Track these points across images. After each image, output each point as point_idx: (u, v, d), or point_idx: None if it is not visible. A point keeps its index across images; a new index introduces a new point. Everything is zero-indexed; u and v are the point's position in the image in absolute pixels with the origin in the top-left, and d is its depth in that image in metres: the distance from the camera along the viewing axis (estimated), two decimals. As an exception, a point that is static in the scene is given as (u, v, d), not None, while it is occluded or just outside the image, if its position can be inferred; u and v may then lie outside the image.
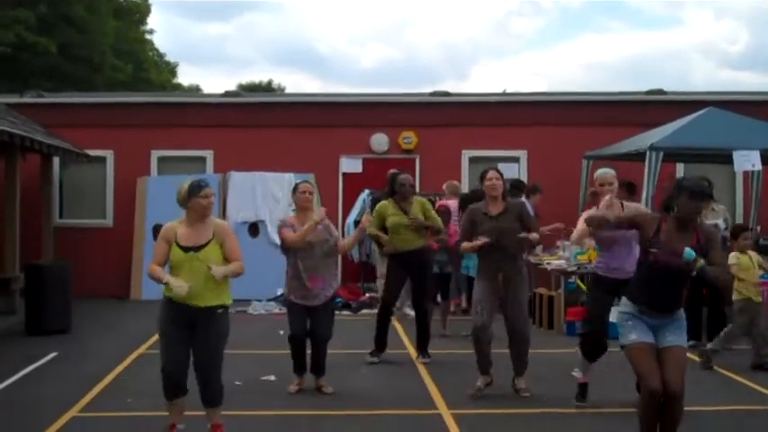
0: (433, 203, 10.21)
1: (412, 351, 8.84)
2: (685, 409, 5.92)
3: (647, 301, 5.13)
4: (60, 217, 14.31)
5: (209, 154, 14.62)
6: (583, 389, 6.73)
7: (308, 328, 7.15)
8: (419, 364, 8.27)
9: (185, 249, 5.46)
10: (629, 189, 10.41)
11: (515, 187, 12.30)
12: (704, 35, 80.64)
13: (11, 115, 12.11)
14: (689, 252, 4.84)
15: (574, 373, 7.87)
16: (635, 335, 5.11)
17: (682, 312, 5.19)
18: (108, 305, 12.70)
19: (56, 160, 13.63)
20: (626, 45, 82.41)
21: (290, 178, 13.93)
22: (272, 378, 7.67)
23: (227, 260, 5.55)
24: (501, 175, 7.08)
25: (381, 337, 8.48)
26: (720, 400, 6.94)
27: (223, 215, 13.26)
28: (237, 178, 13.82)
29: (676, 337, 5.10)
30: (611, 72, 76.52)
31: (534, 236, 7.04)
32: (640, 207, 7.23)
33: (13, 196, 11.82)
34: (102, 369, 7.96)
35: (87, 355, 8.78)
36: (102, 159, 14.48)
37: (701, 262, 4.89)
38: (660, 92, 14.80)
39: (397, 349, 8.98)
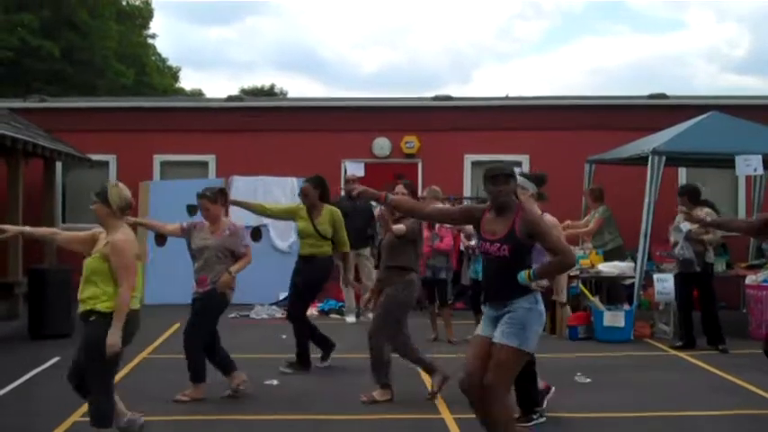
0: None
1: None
2: (687, 414, 5.94)
3: (484, 291, 5.15)
4: (63, 221, 14.32)
5: (211, 158, 14.64)
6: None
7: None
8: (421, 370, 8.26)
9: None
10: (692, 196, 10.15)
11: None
12: (707, 39, 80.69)
13: (14, 120, 12.14)
14: (521, 276, 4.81)
15: (577, 378, 7.90)
16: (478, 328, 5.14)
17: (519, 305, 4.92)
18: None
19: (58, 165, 13.66)
20: (628, 49, 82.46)
21: (292, 182, 13.96)
22: (275, 383, 7.67)
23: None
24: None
25: (321, 343, 8.34)
26: (721, 404, 6.92)
27: (225, 219, 13.30)
28: (240, 183, 13.82)
29: (500, 334, 4.90)
30: (614, 76, 76.55)
31: None
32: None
33: (16, 201, 11.84)
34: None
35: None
36: (105, 164, 14.51)
37: (531, 272, 4.82)
38: (662, 96, 14.79)
39: (396, 354, 8.96)
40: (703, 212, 9.13)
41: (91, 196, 5.33)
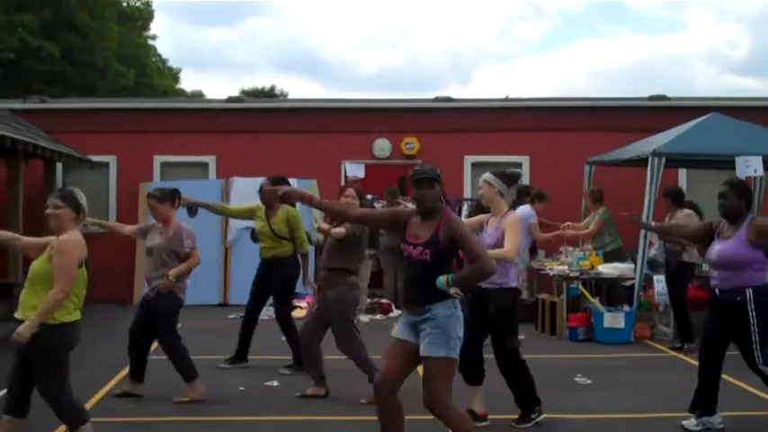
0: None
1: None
2: (687, 415, 5.94)
3: (405, 295, 5.10)
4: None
5: (211, 159, 14.65)
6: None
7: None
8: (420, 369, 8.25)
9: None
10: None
11: (522, 193, 12.35)
12: (707, 40, 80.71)
13: (14, 121, 12.15)
14: (439, 281, 4.74)
15: (577, 379, 7.90)
16: (395, 329, 5.08)
17: (439, 312, 4.82)
18: (110, 310, 12.70)
19: (59, 166, 13.66)
20: (628, 50, 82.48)
21: (293, 183, 13.95)
22: (275, 384, 7.68)
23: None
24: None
25: (295, 348, 8.16)
26: (721, 405, 6.92)
27: (226, 221, 13.31)
28: (240, 184, 13.83)
29: (426, 346, 4.80)
30: (614, 77, 76.57)
31: None
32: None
33: (17, 202, 11.85)
34: (104, 374, 7.96)
35: (89, 361, 8.76)
36: (105, 165, 14.52)
37: (449, 277, 4.74)
38: (662, 97, 14.80)
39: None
40: (682, 214, 9.51)
41: (52, 201, 5.13)
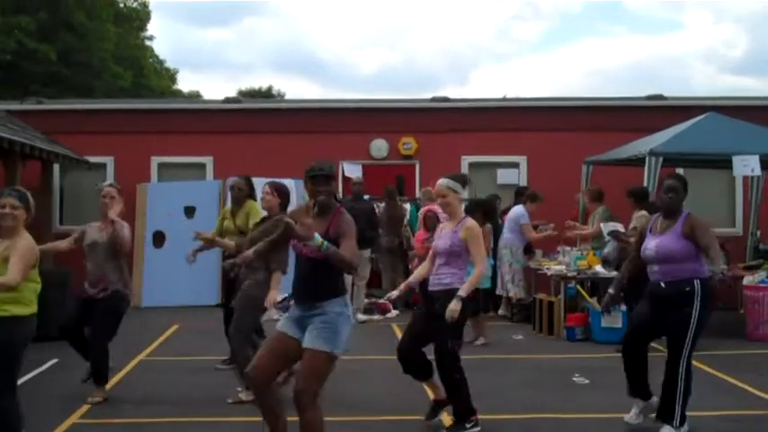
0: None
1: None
2: (686, 414, 5.94)
3: (294, 290, 5.04)
4: (60, 223, 14.32)
5: (209, 160, 14.65)
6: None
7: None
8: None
9: None
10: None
11: (519, 194, 12.41)
12: (704, 40, 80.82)
13: (11, 122, 12.14)
14: (316, 237, 4.64)
15: (575, 379, 7.90)
16: (280, 323, 5.05)
17: (330, 309, 4.84)
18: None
19: (56, 167, 13.65)
20: (626, 50, 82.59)
21: (289, 184, 13.92)
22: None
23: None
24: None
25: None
26: (720, 405, 6.93)
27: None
28: (237, 184, 13.81)
29: (313, 338, 4.79)
30: (612, 77, 76.67)
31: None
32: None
33: (14, 203, 11.81)
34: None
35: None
36: (103, 166, 14.50)
37: (325, 242, 4.64)
38: (660, 97, 14.82)
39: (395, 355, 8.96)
40: (638, 215, 9.65)
41: (9, 201, 5.14)
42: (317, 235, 4.62)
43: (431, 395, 6.50)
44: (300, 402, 4.82)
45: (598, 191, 11.67)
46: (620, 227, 10.33)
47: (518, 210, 11.81)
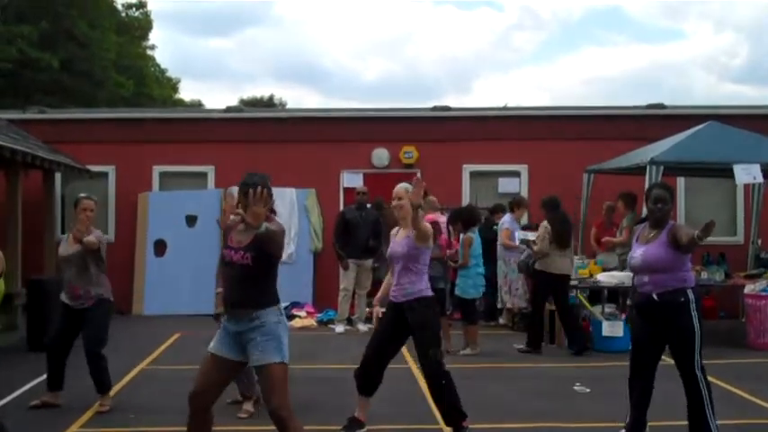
0: None
1: (412, 365, 8.82)
2: (686, 423, 5.93)
3: (228, 301, 4.99)
4: (62, 232, 14.30)
5: (210, 169, 14.65)
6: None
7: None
8: (421, 378, 8.25)
9: None
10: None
11: (510, 206, 12.41)
12: (705, 49, 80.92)
13: (12, 131, 12.16)
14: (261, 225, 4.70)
15: (576, 388, 7.90)
16: (212, 343, 5.01)
17: (267, 319, 4.84)
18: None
19: (58, 176, 13.66)
20: (627, 59, 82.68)
21: (291, 193, 13.98)
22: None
23: None
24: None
25: None
26: (721, 414, 6.90)
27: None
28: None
29: (260, 354, 4.81)
30: (613, 86, 76.73)
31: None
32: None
33: (15, 212, 11.83)
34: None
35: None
36: (104, 175, 14.52)
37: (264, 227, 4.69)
38: (660, 106, 14.81)
39: (397, 363, 8.94)
40: (541, 226, 10.26)
41: None
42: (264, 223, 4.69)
43: (357, 411, 6.39)
44: (281, 418, 4.82)
45: (630, 195, 11.63)
46: (530, 236, 10.57)
47: (505, 218, 11.95)
